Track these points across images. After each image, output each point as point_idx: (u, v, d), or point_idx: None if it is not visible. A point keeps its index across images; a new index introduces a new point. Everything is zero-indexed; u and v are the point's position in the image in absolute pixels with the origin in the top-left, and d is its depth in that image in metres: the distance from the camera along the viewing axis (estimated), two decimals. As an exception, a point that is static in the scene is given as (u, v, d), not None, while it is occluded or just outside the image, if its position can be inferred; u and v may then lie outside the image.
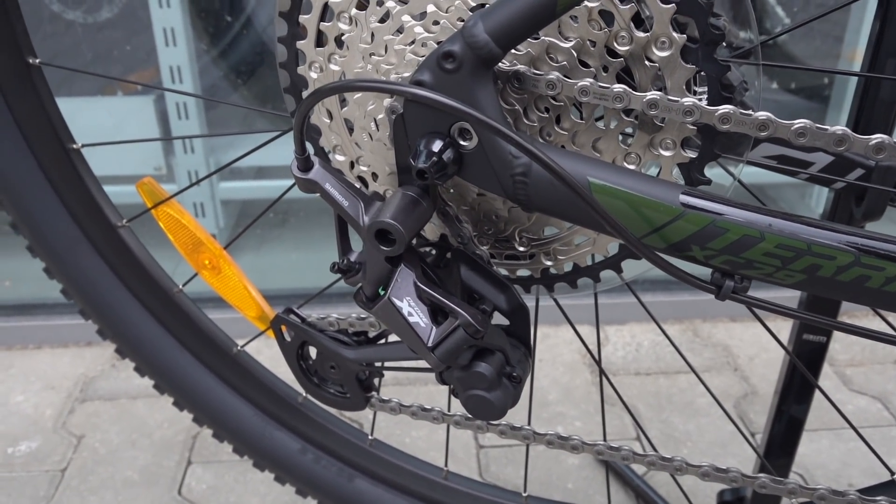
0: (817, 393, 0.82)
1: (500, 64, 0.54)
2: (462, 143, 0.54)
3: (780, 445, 0.99)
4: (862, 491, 0.74)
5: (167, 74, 1.68)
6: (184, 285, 0.95)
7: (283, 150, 0.98)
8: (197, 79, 1.72)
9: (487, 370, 0.60)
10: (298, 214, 1.99)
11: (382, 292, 0.58)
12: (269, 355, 1.14)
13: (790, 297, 0.98)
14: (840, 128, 0.50)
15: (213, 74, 1.94)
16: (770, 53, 2.06)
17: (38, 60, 0.80)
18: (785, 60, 2.05)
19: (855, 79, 0.76)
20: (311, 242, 1.95)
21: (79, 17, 1.84)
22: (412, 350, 0.60)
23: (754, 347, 1.66)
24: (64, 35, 1.84)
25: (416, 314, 0.58)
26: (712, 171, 0.61)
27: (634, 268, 0.67)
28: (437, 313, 0.58)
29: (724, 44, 0.56)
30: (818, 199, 1.91)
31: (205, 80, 1.87)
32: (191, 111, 1.73)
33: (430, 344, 0.58)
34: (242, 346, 0.98)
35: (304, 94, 0.67)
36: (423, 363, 0.61)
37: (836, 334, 1.68)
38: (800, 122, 0.50)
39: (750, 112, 0.51)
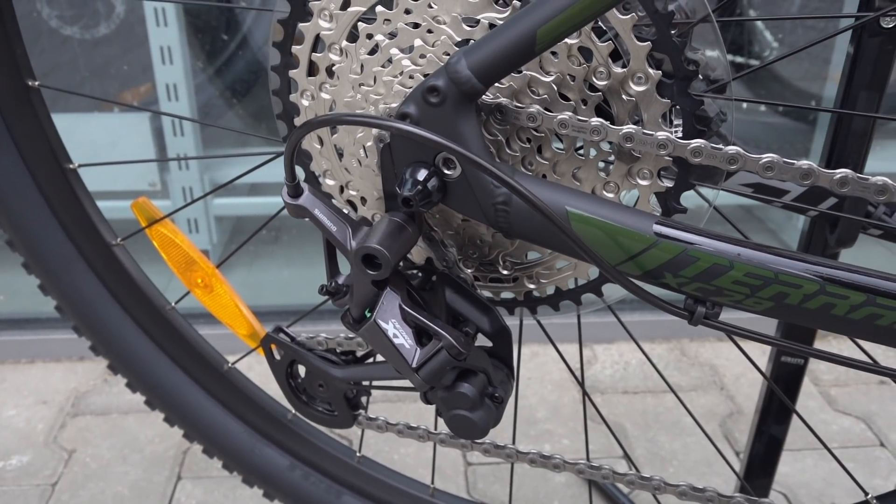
0: (802, 411, 0.84)
1: (483, 97, 0.57)
2: (446, 172, 0.56)
3: (760, 465, 1.00)
4: (836, 511, 0.75)
5: (163, 92, 1.70)
6: (176, 303, 0.96)
7: (276, 168, 0.99)
8: (193, 96, 1.74)
9: (470, 391, 0.62)
10: (290, 231, 2.01)
11: (369, 314, 0.60)
12: (259, 371, 1.16)
13: (769, 322, 1.00)
14: (806, 162, 0.52)
15: (209, 92, 1.96)
16: (759, 75, 2.09)
17: (37, 83, 0.82)
18: (774, 82, 2.08)
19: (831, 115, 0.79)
20: (302, 259, 1.97)
21: (76, 33, 1.86)
22: (397, 370, 0.62)
23: (740, 366, 1.68)
24: (61, 50, 1.86)
25: (401, 336, 0.60)
26: (690, 195, 0.64)
27: (616, 291, 0.69)
28: (422, 335, 0.60)
29: (699, 77, 0.59)
30: (804, 220, 1.93)
31: (200, 97, 1.89)
32: (186, 128, 1.75)
33: (414, 365, 0.60)
34: (233, 364, 1.00)
35: (296, 120, 0.69)
36: (408, 383, 0.63)
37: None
38: (767, 157, 0.53)
39: (720, 146, 0.53)
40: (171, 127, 1.75)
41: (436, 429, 0.86)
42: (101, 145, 1.78)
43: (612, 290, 0.70)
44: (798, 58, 2.04)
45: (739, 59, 2.04)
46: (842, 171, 0.51)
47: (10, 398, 1.56)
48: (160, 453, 1.41)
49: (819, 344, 0.88)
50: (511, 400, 0.72)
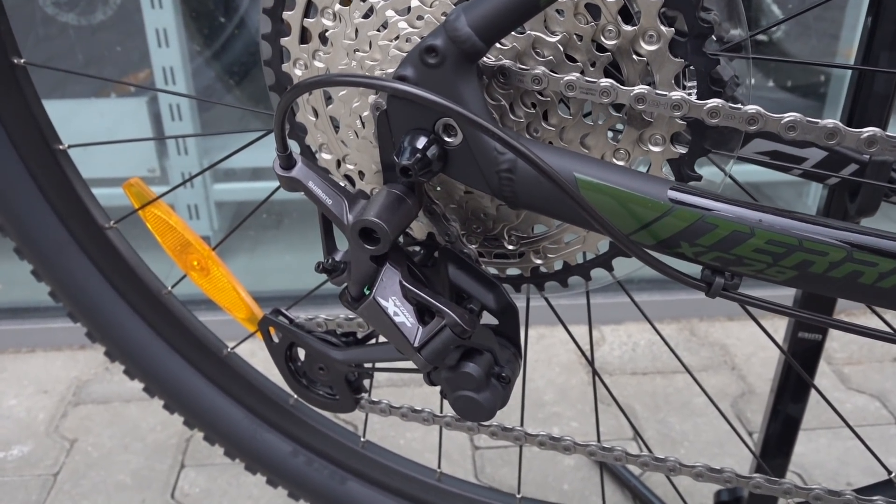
0: (815, 391, 0.81)
1: (484, 59, 0.54)
2: (447, 139, 0.53)
3: (776, 445, 0.98)
4: (858, 491, 0.73)
5: (160, 76, 1.67)
6: (172, 287, 0.94)
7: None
8: (190, 80, 1.71)
9: (475, 371, 0.59)
10: (292, 215, 1.98)
11: (368, 292, 0.57)
12: (262, 357, 1.13)
13: (786, 295, 0.97)
14: (831, 121, 0.49)
15: (207, 75, 1.93)
16: (766, 51, 2.05)
17: (22, 60, 0.79)
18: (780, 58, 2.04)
19: (851, 75, 0.75)
20: (305, 244, 1.94)
21: (73, 20, 1.83)
22: (399, 351, 0.59)
23: (751, 346, 1.65)
24: (58, 37, 1.83)
25: (401, 314, 0.57)
26: (707, 170, 0.61)
27: (626, 266, 0.66)
28: (424, 313, 0.58)
29: (713, 37, 0.55)
30: (815, 197, 1.90)
31: (198, 81, 1.86)
32: (184, 112, 1.73)
33: (416, 344, 0.57)
34: (233, 348, 0.97)
35: (289, 91, 0.66)
36: (412, 364, 0.60)
37: (834, 332, 1.67)
38: (790, 116, 0.49)
39: (739, 106, 0.50)
40: (169, 111, 1.72)
41: (441, 412, 0.83)
42: (99, 131, 1.75)
43: (620, 266, 0.67)
44: (806, 34, 2.00)
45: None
46: (869, 130, 0.48)
47: (11, 388, 1.54)
48: (163, 441, 1.39)
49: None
50: (518, 381, 0.69)
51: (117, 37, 1.83)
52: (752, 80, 0.59)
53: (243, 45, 1.92)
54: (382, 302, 0.57)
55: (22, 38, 0.79)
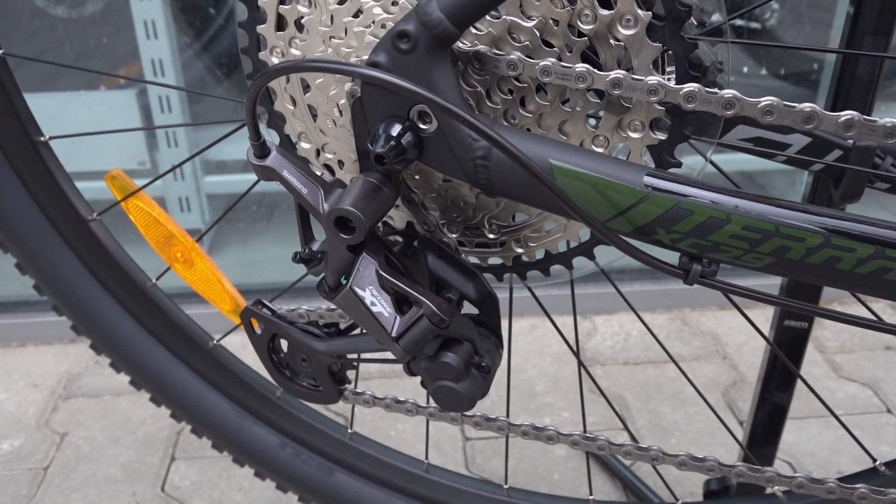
0: (807, 378, 0.80)
1: (459, 44, 0.53)
2: (421, 126, 0.53)
3: (763, 434, 0.98)
4: (841, 479, 0.72)
5: (149, 68, 1.66)
6: (157, 279, 0.93)
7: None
8: (180, 72, 1.70)
9: (454, 360, 0.58)
10: (282, 207, 1.98)
11: (345, 282, 0.57)
12: (252, 349, 1.13)
13: (773, 283, 0.96)
14: (808, 105, 0.48)
15: (197, 67, 1.91)
16: (759, 39, 2.04)
17: (1, 51, 0.78)
18: (773, 46, 2.03)
19: (836, 61, 0.75)
20: (296, 236, 1.93)
21: (63, 13, 1.82)
22: (377, 341, 0.59)
23: (743, 335, 1.64)
24: (50, 31, 1.81)
25: (379, 304, 0.56)
26: (694, 159, 0.60)
27: (609, 255, 0.66)
28: (402, 303, 0.57)
29: (692, 21, 0.55)
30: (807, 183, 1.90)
31: (188, 74, 1.85)
32: (174, 105, 1.71)
33: (394, 334, 0.56)
34: (218, 340, 0.97)
35: (267, 80, 0.65)
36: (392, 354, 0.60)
37: (826, 321, 1.66)
38: (766, 100, 0.49)
39: (715, 90, 0.49)
40: (159, 104, 1.71)
41: (427, 403, 0.83)
42: (89, 124, 1.74)
43: (602, 255, 0.67)
44: (799, 23, 1.99)
45: (739, 23, 1.99)
46: (847, 113, 0.47)
47: (1, 382, 1.54)
48: (153, 434, 1.39)
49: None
50: (504, 370, 0.69)
51: (106, 30, 1.82)
52: (734, 66, 0.58)
53: (233, 37, 1.90)
54: (359, 292, 0.56)
55: (11, 32, 0.78)
